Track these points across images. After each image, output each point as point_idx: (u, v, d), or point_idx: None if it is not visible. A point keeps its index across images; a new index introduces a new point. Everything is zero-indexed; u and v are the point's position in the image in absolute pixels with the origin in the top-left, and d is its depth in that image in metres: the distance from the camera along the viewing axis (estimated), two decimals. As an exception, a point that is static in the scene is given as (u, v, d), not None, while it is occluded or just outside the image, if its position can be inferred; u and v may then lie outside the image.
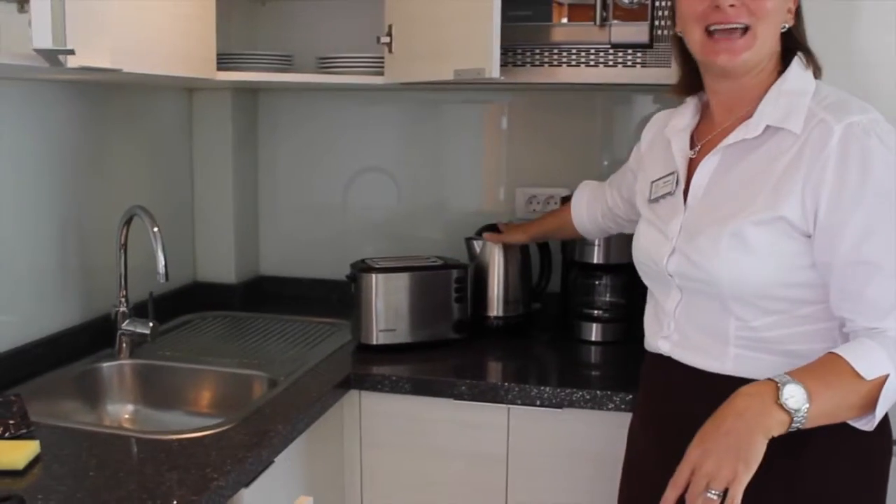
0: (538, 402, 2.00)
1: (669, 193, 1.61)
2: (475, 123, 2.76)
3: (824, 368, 1.35)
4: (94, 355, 2.19)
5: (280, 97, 2.87)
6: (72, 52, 1.57)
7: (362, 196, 2.85)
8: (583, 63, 2.18)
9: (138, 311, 2.21)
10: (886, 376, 1.33)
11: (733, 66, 1.49)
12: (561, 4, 2.18)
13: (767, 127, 1.47)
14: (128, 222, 2.17)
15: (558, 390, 1.99)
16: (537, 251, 2.53)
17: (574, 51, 2.18)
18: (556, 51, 2.19)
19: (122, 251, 2.18)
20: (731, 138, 1.51)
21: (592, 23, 2.15)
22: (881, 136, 1.38)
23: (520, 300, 2.45)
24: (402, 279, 2.28)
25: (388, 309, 2.26)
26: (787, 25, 1.51)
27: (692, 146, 1.62)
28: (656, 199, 1.65)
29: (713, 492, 1.25)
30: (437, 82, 2.21)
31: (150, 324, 2.17)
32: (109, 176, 2.36)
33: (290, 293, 2.90)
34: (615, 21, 2.15)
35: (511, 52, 2.19)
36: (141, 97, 2.51)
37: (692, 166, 1.59)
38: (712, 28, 1.48)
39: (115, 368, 2.18)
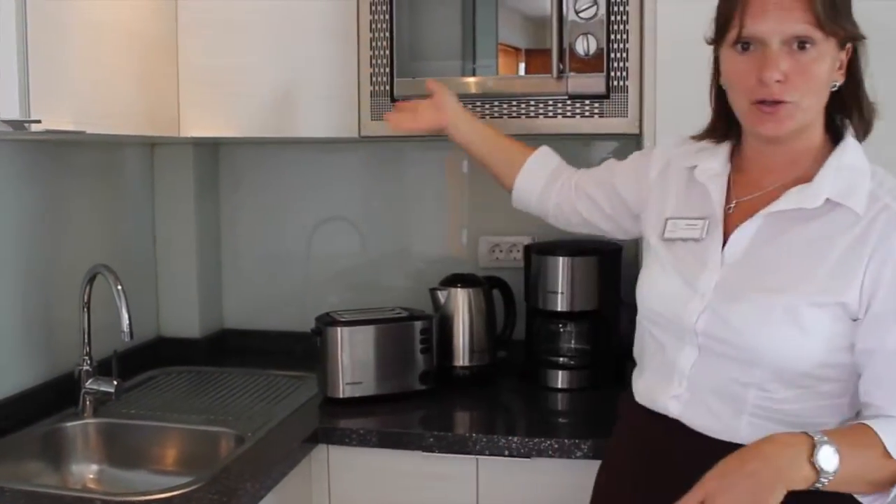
0: (506, 453, 2.01)
1: (694, 240, 1.54)
2: (437, 171, 2.78)
3: (857, 437, 1.32)
4: (57, 414, 2.16)
5: (241, 149, 2.88)
6: (38, 122, 1.58)
7: (325, 246, 2.86)
8: (541, 114, 2.23)
9: (102, 369, 2.19)
10: None
11: (778, 136, 1.45)
12: (518, 49, 2.23)
13: (826, 200, 1.42)
14: (91, 280, 2.16)
15: (526, 440, 2.00)
16: (501, 300, 2.55)
17: (532, 102, 2.22)
18: (514, 102, 2.23)
19: (86, 309, 2.17)
20: (783, 205, 1.45)
21: (550, 74, 2.19)
22: None
23: (485, 349, 2.46)
24: (368, 332, 2.29)
25: (354, 362, 2.26)
26: (836, 84, 1.45)
27: (727, 197, 1.56)
28: (673, 240, 1.57)
29: None
30: (404, 137, 2.23)
31: (115, 382, 2.15)
32: (71, 231, 2.35)
33: (255, 346, 2.88)
34: (572, 73, 2.19)
35: (470, 105, 2.22)
36: (102, 152, 2.51)
37: (727, 220, 1.53)
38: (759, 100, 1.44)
39: (80, 428, 2.15)
